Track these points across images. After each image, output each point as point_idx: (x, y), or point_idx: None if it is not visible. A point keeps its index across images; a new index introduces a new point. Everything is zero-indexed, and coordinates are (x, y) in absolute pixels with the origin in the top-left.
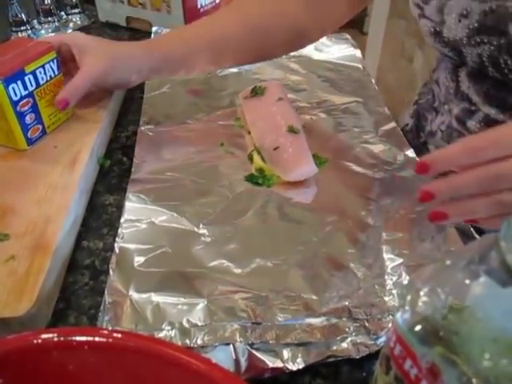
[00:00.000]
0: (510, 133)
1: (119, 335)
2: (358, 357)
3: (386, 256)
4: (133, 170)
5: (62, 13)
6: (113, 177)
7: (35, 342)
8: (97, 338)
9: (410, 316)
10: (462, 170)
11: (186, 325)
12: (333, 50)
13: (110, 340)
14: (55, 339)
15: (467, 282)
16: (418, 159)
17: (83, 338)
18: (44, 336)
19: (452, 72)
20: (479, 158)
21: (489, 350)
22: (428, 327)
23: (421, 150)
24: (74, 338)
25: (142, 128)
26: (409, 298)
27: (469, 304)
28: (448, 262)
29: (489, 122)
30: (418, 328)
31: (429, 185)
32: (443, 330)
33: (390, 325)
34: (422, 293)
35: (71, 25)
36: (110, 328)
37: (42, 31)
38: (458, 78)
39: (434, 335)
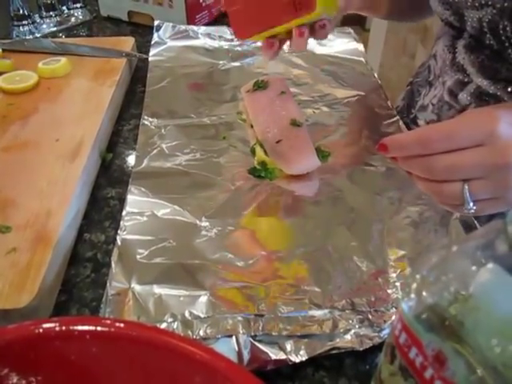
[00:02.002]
0: (464, 126)
1: (122, 325)
2: (361, 349)
3: (389, 249)
4: (134, 163)
5: (64, 7)
6: (114, 170)
7: (36, 331)
8: (99, 328)
9: (416, 304)
10: None
11: (188, 317)
12: (335, 43)
13: (113, 329)
14: (57, 329)
15: (474, 269)
16: None
17: (85, 328)
18: (45, 325)
19: (450, 44)
20: (431, 151)
21: (496, 338)
22: (434, 315)
23: (409, 126)
24: (75, 328)
25: (144, 121)
26: (414, 285)
27: (475, 291)
28: (454, 249)
29: (479, 95)
30: (423, 316)
31: (390, 143)
32: (449, 317)
33: (393, 317)
34: (427, 280)
35: (73, 19)
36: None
37: (44, 26)
38: (455, 49)
39: (439, 323)
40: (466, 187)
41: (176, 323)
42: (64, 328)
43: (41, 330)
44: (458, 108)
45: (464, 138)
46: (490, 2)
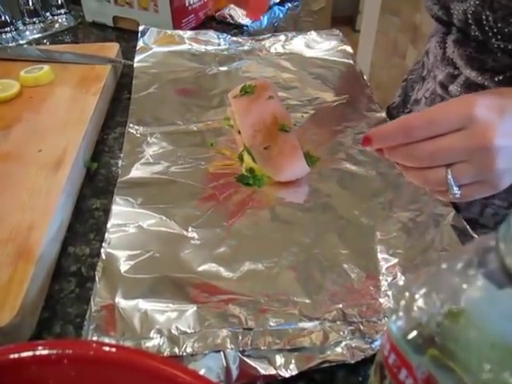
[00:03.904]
0: (443, 112)
1: (100, 347)
2: (353, 362)
3: (380, 256)
4: (120, 172)
5: (48, 13)
6: (100, 180)
7: (11, 356)
8: (77, 351)
9: (405, 323)
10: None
11: (174, 332)
12: (324, 46)
13: (92, 353)
14: (32, 353)
15: (464, 286)
16: None
17: (62, 352)
18: (21, 350)
19: (441, 40)
20: (413, 138)
21: (488, 357)
22: (423, 334)
23: None
24: (52, 352)
25: (130, 129)
26: (403, 303)
27: (466, 309)
28: (444, 266)
29: (469, 86)
30: (412, 336)
31: (373, 135)
32: (439, 337)
33: (385, 327)
34: (416, 298)
35: (57, 26)
36: (96, 338)
37: (27, 32)
38: (445, 44)
39: (429, 343)
40: (450, 172)
41: (162, 339)
42: (40, 353)
43: (16, 356)
44: (448, 99)
45: (444, 123)
46: None
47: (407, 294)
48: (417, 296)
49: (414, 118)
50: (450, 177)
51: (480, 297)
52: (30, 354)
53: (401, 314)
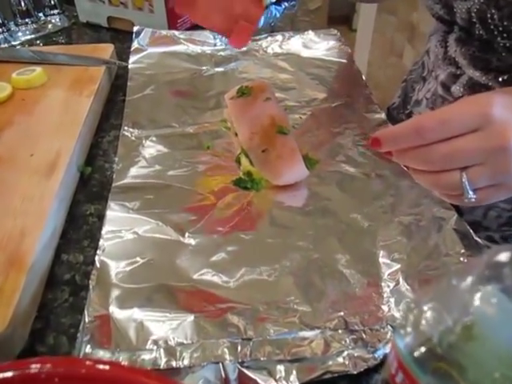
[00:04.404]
0: (458, 112)
1: (93, 365)
2: (355, 372)
3: (381, 261)
4: (114, 177)
5: (41, 14)
6: (94, 185)
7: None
8: (68, 369)
9: (413, 339)
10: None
11: (171, 343)
12: (321, 46)
13: (83, 371)
14: (21, 372)
15: (476, 301)
16: None
17: (53, 370)
18: (9, 369)
19: (442, 39)
20: (425, 140)
21: (500, 377)
22: (432, 352)
23: None
24: (42, 370)
25: (125, 132)
26: (411, 320)
27: (478, 324)
28: (454, 281)
29: (472, 86)
30: (421, 355)
31: (383, 137)
32: (449, 354)
33: (388, 335)
34: (425, 314)
35: (50, 26)
36: (90, 350)
37: (19, 34)
38: (447, 43)
39: (438, 360)
40: (465, 175)
41: (158, 351)
42: (29, 371)
43: (4, 375)
44: (451, 100)
45: (459, 124)
46: None
47: (415, 310)
48: (426, 312)
49: (427, 118)
50: (464, 180)
51: (493, 312)
52: (18, 372)
53: (409, 329)
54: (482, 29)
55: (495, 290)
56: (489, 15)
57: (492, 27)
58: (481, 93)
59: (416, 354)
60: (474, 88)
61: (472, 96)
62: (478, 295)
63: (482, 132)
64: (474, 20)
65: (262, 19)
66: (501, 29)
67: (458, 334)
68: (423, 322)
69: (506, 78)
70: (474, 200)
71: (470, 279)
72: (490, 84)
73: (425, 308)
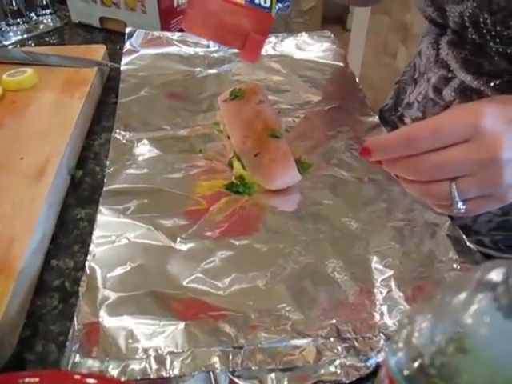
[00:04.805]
0: (448, 122)
1: (81, 380)
2: (347, 381)
3: (374, 267)
4: (105, 180)
5: (32, 14)
6: (85, 188)
7: None
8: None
9: (404, 356)
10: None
11: (161, 352)
12: (315, 48)
13: None
14: None
15: (469, 320)
16: None
17: None
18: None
19: (434, 41)
20: (415, 150)
21: None
22: (424, 369)
23: (396, 124)
24: None
25: (116, 135)
26: (403, 336)
27: (470, 345)
28: (447, 298)
29: (463, 90)
30: (412, 372)
31: (373, 146)
32: (441, 373)
33: (380, 343)
34: (417, 332)
35: (42, 26)
36: (78, 359)
37: (11, 34)
38: (439, 45)
39: (430, 378)
40: (454, 186)
41: (148, 360)
42: None
43: None
44: (442, 104)
45: (449, 135)
46: None
47: (408, 326)
48: (418, 328)
49: (418, 128)
50: (454, 191)
51: (486, 329)
52: None
53: (400, 345)
54: (475, 33)
55: (489, 307)
56: (481, 19)
57: (485, 31)
58: (472, 98)
59: (407, 371)
60: (465, 92)
61: (463, 105)
62: (471, 312)
63: (473, 143)
64: (467, 24)
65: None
66: (493, 33)
67: (450, 352)
68: (415, 338)
69: (497, 82)
70: (463, 211)
71: (463, 296)
72: (482, 89)
73: (417, 324)
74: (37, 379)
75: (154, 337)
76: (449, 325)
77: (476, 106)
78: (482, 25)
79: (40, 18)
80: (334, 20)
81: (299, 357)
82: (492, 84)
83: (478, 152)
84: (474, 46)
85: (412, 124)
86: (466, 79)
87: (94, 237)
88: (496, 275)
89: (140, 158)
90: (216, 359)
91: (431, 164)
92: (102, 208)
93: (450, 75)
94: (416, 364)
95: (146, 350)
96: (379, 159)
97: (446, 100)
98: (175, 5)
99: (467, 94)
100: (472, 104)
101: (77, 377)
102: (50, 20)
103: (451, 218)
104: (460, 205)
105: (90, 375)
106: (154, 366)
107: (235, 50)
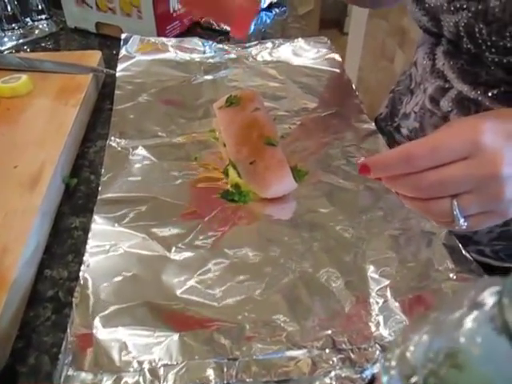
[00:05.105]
0: (447, 139)
1: None
2: None
3: (370, 276)
4: (100, 189)
5: (28, 19)
6: (79, 197)
7: None
8: None
9: (397, 378)
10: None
11: (155, 364)
12: (311, 54)
13: None
14: None
15: (464, 340)
16: None
17: None
18: None
19: (429, 51)
20: (415, 168)
21: None
22: None
23: (393, 135)
24: None
25: (111, 143)
26: (396, 355)
27: (465, 365)
28: (441, 318)
29: (461, 100)
30: None
31: (372, 164)
32: None
33: (376, 355)
34: (410, 351)
35: (37, 32)
36: (71, 372)
37: (6, 39)
38: (435, 55)
39: None
40: (455, 203)
41: (142, 373)
42: None
43: None
44: (439, 115)
45: (449, 152)
46: (464, 6)
47: (402, 345)
48: (412, 347)
49: (417, 146)
50: (455, 208)
51: (482, 350)
52: None
53: (393, 363)
54: (470, 43)
55: (483, 325)
56: (477, 29)
57: (480, 41)
58: (470, 109)
59: None
60: (462, 103)
61: (461, 120)
62: (465, 331)
63: (473, 160)
64: (462, 34)
65: (253, 25)
66: (489, 43)
67: (444, 370)
68: (409, 356)
69: (495, 92)
70: (464, 227)
71: (458, 314)
72: (480, 99)
73: (411, 342)
74: None
75: (148, 349)
76: (443, 343)
77: (474, 121)
78: (478, 35)
79: (35, 23)
80: (331, 24)
81: (294, 368)
82: (490, 94)
83: (478, 168)
84: (470, 55)
85: (411, 142)
86: (463, 89)
87: (88, 246)
88: (490, 294)
89: (135, 166)
90: (211, 371)
91: (431, 181)
92: (96, 217)
93: (446, 85)
94: (410, 382)
95: (139, 363)
96: (378, 177)
97: (444, 110)
98: (171, 10)
99: (465, 105)
100: (470, 120)
101: None
102: (45, 25)
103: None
104: (462, 221)
105: None
106: (148, 378)
107: (232, 56)
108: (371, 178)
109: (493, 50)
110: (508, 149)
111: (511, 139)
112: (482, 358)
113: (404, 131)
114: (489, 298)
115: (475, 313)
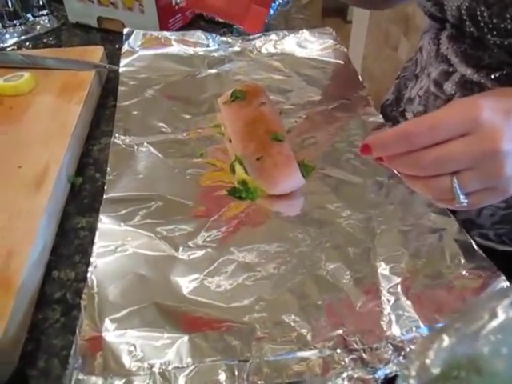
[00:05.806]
0: (446, 116)
1: None
2: None
3: (381, 274)
4: (106, 187)
5: (29, 15)
6: (85, 196)
7: None
8: None
9: None
10: None
11: (165, 367)
12: (316, 46)
13: None
14: None
15: (483, 352)
16: None
17: None
18: None
19: (434, 36)
20: (414, 146)
21: None
22: None
23: (398, 120)
24: None
25: (116, 140)
26: (416, 365)
27: (486, 373)
28: (462, 328)
29: (464, 83)
30: None
31: (373, 143)
32: None
33: (388, 354)
34: (430, 360)
35: (39, 28)
36: (81, 377)
37: (7, 35)
38: (439, 40)
39: None
40: (455, 180)
41: (153, 376)
42: None
43: None
44: (443, 98)
45: (448, 129)
46: None
47: (421, 355)
48: (431, 357)
49: (416, 124)
50: (456, 185)
51: (502, 362)
52: None
53: (413, 373)
54: (473, 26)
55: (504, 337)
56: (478, 13)
57: (482, 24)
58: (473, 91)
59: None
60: (466, 86)
61: (461, 99)
62: (485, 344)
63: (472, 136)
64: (465, 17)
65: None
66: (490, 26)
67: (465, 378)
68: (429, 365)
69: (498, 75)
70: (465, 204)
71: (476, 326)
72: (483, 82)
73: (431, 352)
74: None
75: (158, 351)
76: (464, 352)
77: (473, 100)
78: (479, 18)
79: (37, 19)
80: (334, 12)
81: (306, 370)
82: (492, 76)
83: (477, 145)
84: (473, 39)
85: (410, 120)
86: (467, 73)
87: (94, 247)
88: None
89: (140, 164)
90: (222, 374)
91: (431, 159)
92: (102, 217)
93: (450, 69)
94: None
95: (149, 366)
96: (379, 156)
97: (447, 94)
98: (173, 3)
99: (468, 87)
100: (470, 98)
101: None
102: (46, 21)
103: (455, 212)
104: (462, 198)
105: None
106: (159, 381)
107: (235, 49)
108: (375, 162)
109: (494, 32)
110: (507, 125)
111: (510, 115)
112: (505, 364)
113: (409, 115)
114: (509, 307)
115: (496, 321)
